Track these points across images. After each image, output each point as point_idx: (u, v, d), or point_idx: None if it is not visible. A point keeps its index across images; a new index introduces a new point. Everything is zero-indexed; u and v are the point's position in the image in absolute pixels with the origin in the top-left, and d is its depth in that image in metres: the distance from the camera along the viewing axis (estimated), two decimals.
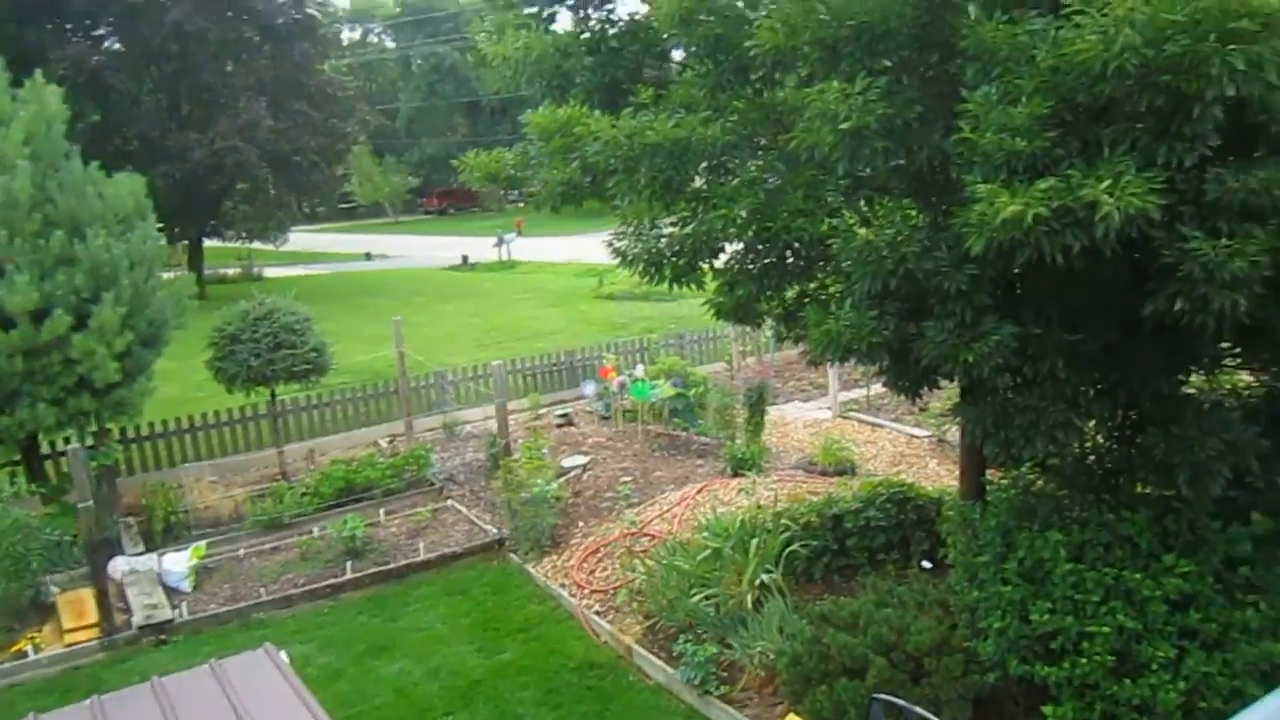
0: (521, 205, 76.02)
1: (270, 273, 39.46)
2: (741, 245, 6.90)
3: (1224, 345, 6.83)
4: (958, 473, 11.95)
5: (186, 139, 31.10)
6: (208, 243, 37.84)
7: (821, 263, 6.72)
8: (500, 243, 41.31)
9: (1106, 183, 4.63)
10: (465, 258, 41.13)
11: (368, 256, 46.43)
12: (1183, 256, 4.83)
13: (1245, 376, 7.56)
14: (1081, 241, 4.72)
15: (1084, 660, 6.47)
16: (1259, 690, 6.12)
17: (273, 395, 13.96)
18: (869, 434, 15.00)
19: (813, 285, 7.32)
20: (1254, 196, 4.78)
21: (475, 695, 8.90)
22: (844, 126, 5.35)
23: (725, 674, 8.51)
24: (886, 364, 6.53)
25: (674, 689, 8.71)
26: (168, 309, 12.21)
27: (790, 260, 6.80)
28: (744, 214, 6.22)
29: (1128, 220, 4.59)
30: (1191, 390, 6.86)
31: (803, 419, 15.98)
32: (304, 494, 12.70)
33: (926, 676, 7.18)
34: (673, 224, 7.07)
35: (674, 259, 6.82)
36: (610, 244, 7.26)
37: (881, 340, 5.79)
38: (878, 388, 17.09)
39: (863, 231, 5.54)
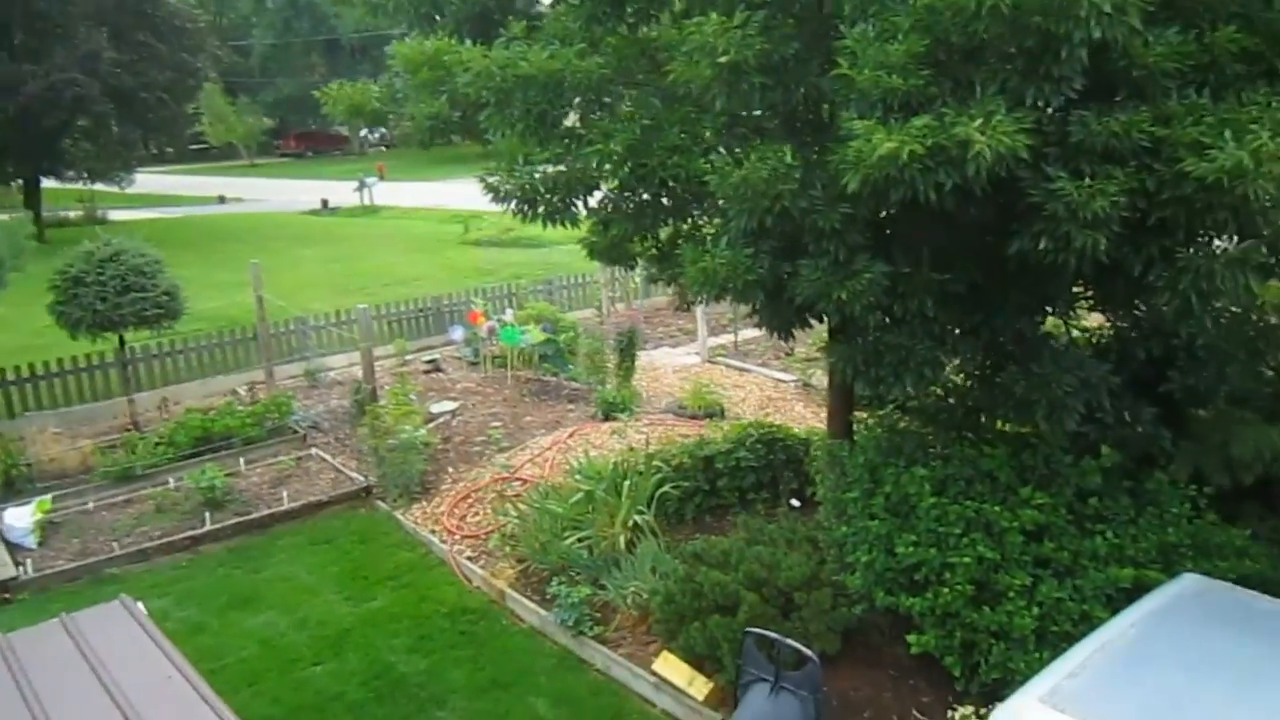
0: (384, 149, 74.13)
1: (115, 216, 37.29)
2: (617, 183, 6.81)
3: (1076, 290, 7.13)
4: (825, 415, 12.28)
5: (19, 71, 28.95)
6: (46, 183, 35.54)
7: (697, 201, 6.69)
8: (362, 187, 40.09)
9: (978, 121, 4.71)
10: (325, 202, 39.82)
11: (221, 200, 44.45)
12: (1048, 196, 4.97)
13: (1096, 319, 7.89)
14: (954, 180, 4.80)
15: (946, 590, 6.71)
16: (1105, 614, 6.43)
17: (121, 341, 13.24)
18: (737, 379, 15.18)
19: (686, 225, 7.29)
20: (1115, 139, 4.94)
21: (345, 644, 8.71)
22: (722, 60, 5.30)
23: (599, 615, 8.53)
24: (760, 303, 6.55)
25: (548, 631, 8.70)
26: (2, 250, 11.41)
27: (666, 199, 6.75)
28: (620, 150, 6.12)
29: (998, 159, 4.68)
30: (1047, 331, 7.12)
31: (672, 364, 16.07)
32: (158, 444, 12.11)
33: (797, 611, 7.34)
34: (547, 161, 6.91)
35: (548, 196, 6.68)
36: (482, 180, 7.06)
37: (757, 278, 5.80)
38: (745, 333, 17.36)
39: (740, 169, 5.50)
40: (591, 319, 18.04)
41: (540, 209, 6.81)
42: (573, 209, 6.93)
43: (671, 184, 6.32)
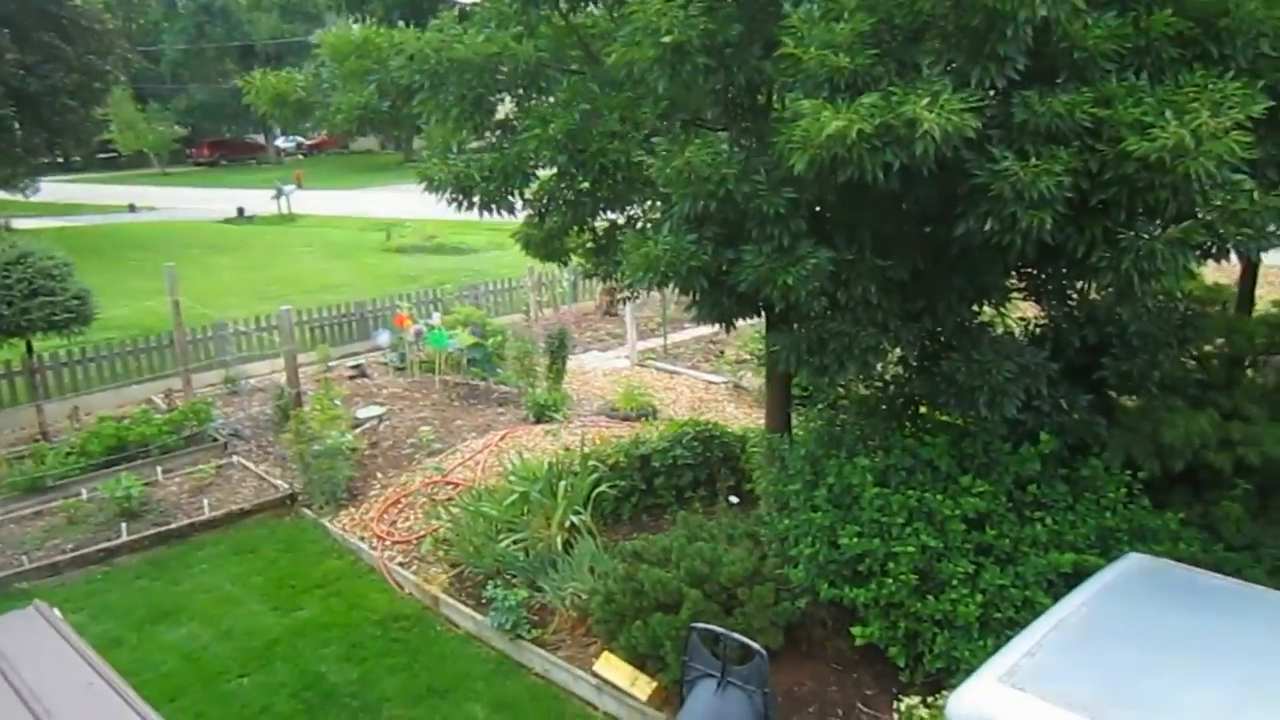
0: (301, 158, 72.83)
1: (19, 224, 35.91)
2: (554, 171, 6.66)
3: (1011, 282, 7.19)
4: (756, 415, 12.28)
5: None
6: None
7: (637, 189, 6.57)
8: (279, 194, 39.18)
9: (925, 100, 4.68)
10: (241, 210, 38.82)
11: (131, 208, 43.00)
12: (994, 177, 4.96)
13: (1029, 310, 7.96)
14: (900, 160, 4.76)
15: (890, 580, 6.69)
16: (1046, 599, 6.47)
17: (29, 348, 12.67)
18: (668, 381, 15.12)
19: (624, 219, 7.17)
20: (1058, 119, 4.96)
21: (273, 655, 8.39)
22: (666, 40, 5.19)
23: (537, 618, 8.35)
24: (700, 294, 6.45)
25: (484, 636, 8.48)
26: None
27: (605, 187, 6.62)
28: (558, 135, 5.97)
29: (945, 139, 4.65)
30: (985, 320, 7.15)
31: (602, 368, 15.95)
32: (69, 454, 11.59)
33: (740, 606, 7.24)
34: (482, 150, 6.74)
35: (484, 184, 6.50)
36: (415, 167, 6.85)
37: (700, 264, 5.71)
38: (675, 337, 17.33)
39: (682, 154, 5.41)
40: (520, 324, 17.83)
41: (475, 197, 6.63)
42: (509, 198, 6.77)
43: (611, 171, 6.20)
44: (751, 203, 5.50)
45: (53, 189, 43.42)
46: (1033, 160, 4.87)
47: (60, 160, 62.49)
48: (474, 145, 6.91)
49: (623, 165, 6.14)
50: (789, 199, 5.50)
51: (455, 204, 6.76)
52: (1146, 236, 5.08)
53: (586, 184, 6.31)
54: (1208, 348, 8.43)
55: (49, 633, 4.57)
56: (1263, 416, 7.67)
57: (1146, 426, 7.49)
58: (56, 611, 4.87)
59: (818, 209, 5.86)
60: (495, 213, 6.83)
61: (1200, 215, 5.13)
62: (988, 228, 5.08)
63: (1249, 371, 8.66)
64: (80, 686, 4.13)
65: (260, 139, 72.22)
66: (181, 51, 65.05)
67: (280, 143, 73.99)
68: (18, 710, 3.96)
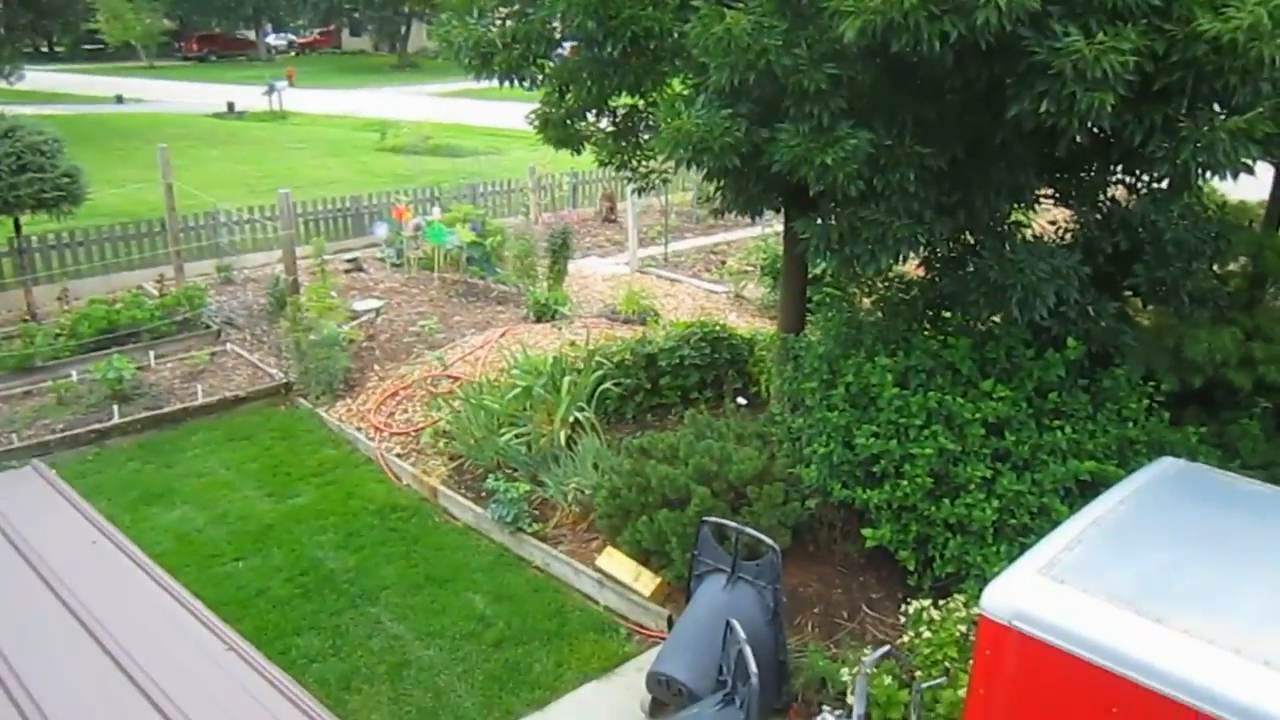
0: (293, 55, 71.27)
1: (3, 110, 35.05)
2: (581, 41, 6.31)
3: (1042, 188, 6.95)
4: (757, 323, 12.09)
5: None
6: None
7: (669, 59, 6.25)
8: (271, 91, 38.26)
9: None
10: (232, 105, 37.96)
11: (119, 99, 42.00)
12: (1054, 55, 4.68)
13: (1060, 215, 7.74)
14: (959, 29, 4.48)
15: (904, 483, 6.56)
16: (1063, 507, 6.37)
17: (17, 226, 12.30)
18: (668, 288, 14.88)
19: (649, 98, 6.85)
20: None
21: (268, 539, 8.29)
22: None
23: (538, 512, 8.26)
24: (726, 181, 6.19)
25: (483, 529, 8.38)
26: None
27: (634, 58, 6.29)
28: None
29: (1009, 8, 4.37)
30: (1017, 220, 6.93)
31: (602, 273, 15.70)
32: (59, 335, 11.32)
33: (748, 505, 7.14)
34: (505, 17, 6.40)
35: (505, 50, 6.16)
36: (436, 30, 6.50)
37: (733, 141, 5.43)
38: (676, 245, 17.06)
39: (723, 20, 5.11)
40: (519, 226, 17.48)
41: (496, 64, 6.30)
42: (531, 67, 6.44)
43: (643, 40, 5.88)
44: (792, 77, 5.22)
45: (37, 78, 42.38)
46: (1098, 37, 4.59)
47: (45, 49, 61.03)
48: (493, 15, 6.54)
49: (655, 34, 5.81)
50: (831, 75, 5.22)
51: (474, 71, 6.42)
52: (1208, 126, 4.83)
53: (615, 53, 5.98)
54: (1231, 266, 8.26)
55: (48, 492, 4.39)
56: None
57: (1168, 340, 7.34)
58: (54, 472, 4.68)
59: (858, 90, 5.56)
60: (515, 84, 6.50)
61: (1261, 108, 4.88)
62: (1043, 109, 4.82)
63: (1271, 291, 8.51)
64: (83, 545, 3.96)
65: (251, 35, 70.55)
66: None
67: (271, 39, 72.39)
68: (21, 569, 3.79)
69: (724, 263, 16.03)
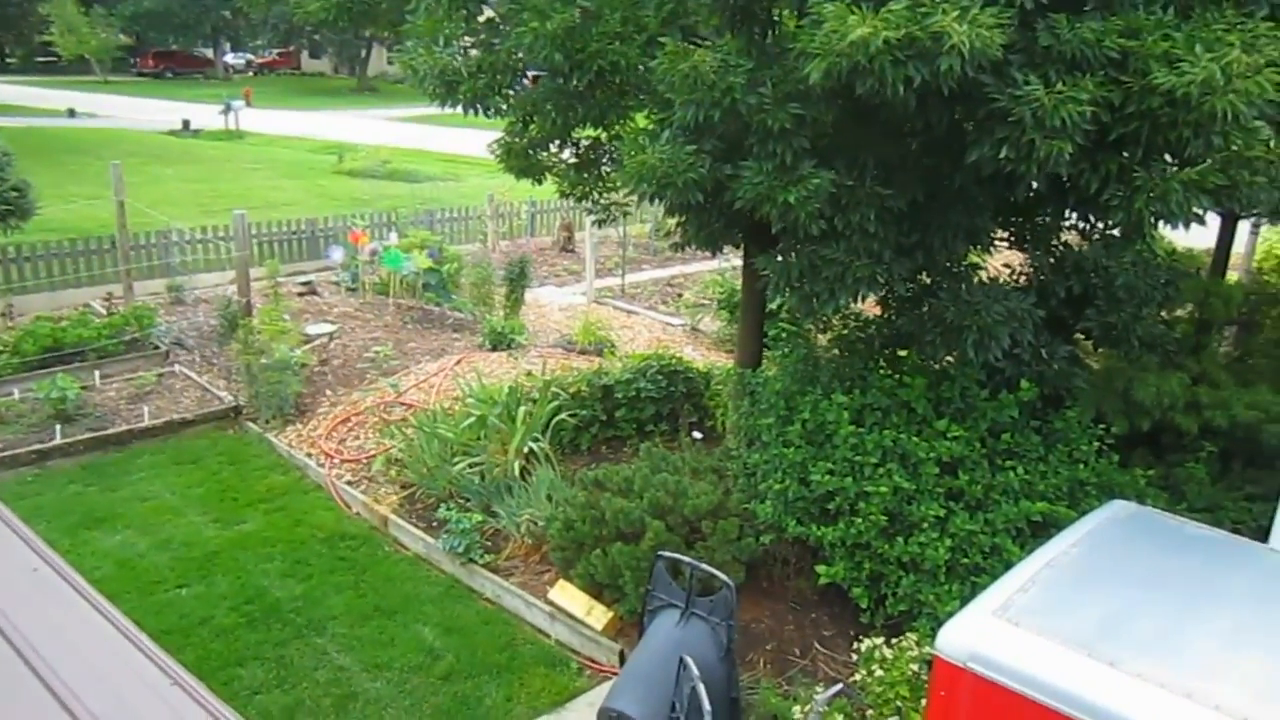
0: (251, 75, 70.78)
1: None
2: (547, 72, 6.32)
3: (998, 231, 7.07)
4: (713, 357, 12.13)
5: None
6: None
7: (634, 94, 6.27)
8: (227, 110, 37.96)
9: (955, 14, 4.45)
10: (187, 123, 37.54)
11: (71, 113, 41.41)
12: (1014, 102, 4.77)
13: (1014, 258, 7.87)
14: (923, 75, 4.54)
15: (859, 520, 6.58)
16: (1015, 547, 6.43)
17: None
18: (625, 319, 14.90)
19: (612, 131, 6.87)
20: (1085, 47, 4.78)
21: (213, 567, 8.11)
22: None
23: (490, 543, 8.17)
24: (688, 217, 6.21)
25: (434, 559, 8.28)
26: None
27: (600, 91, 6.31)
28: (558, 31, 5.65)
29: (972, 55, 4.44)
30: (973, 262, 7.02)
31: (558, 303, 15.70)
32: (1, 352, 11.05)
33: (702, 540, 7.12)
34: (470, 47, 6.39)
35: (470, 80, 6.15)
36: (400, 58, 6.48)
37: (697, 177, 5.46)
38: (632, 277, 17.09)
39: (691, 56, 5.14)
40: (477, 253, 17.41)
41: (461, 94, 6.29)
42: (496, 98, 6.44)
43: (609, 74, 5.90)
44: (756, 116, 5.26)
45: None
46: (1057, 87, 4.68)
47: None
48: (458, 45, 6.53)
49: (621, 69, 5.84)
50: (795, 115, 5.27)
51: (438, 99, 6.40)
52: (1162, 176, 4.94)
53: (580, 86, 5.99)
54: (1179, 312, 8.45)
55: None
56: (1230, 381, 7.70)
57: (1118, 383, 7.47)
58: None
59: (821, 131, 5.62)
60: (480, 113, 6.49)
61: (1211, 160, 5.01)
62: (1003, 155, 4.90)
63: (1217, 337, 8.71)
64: (24, 571, 3.82)
65: (209, 53, 70.01)
66: None
67: (229, 59, 71.93)
68: None
69: (680, 295, 16.10)
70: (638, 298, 16.29)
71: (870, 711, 5.94)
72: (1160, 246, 8.50)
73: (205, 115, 38.83)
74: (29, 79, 57.91)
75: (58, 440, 9.77)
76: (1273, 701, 3.50)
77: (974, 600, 4.24)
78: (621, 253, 17.28)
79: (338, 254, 14.87)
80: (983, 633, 3.94)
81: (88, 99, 46.64)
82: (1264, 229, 13.35)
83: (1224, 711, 3.44)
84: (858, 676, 6.27)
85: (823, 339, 8.00)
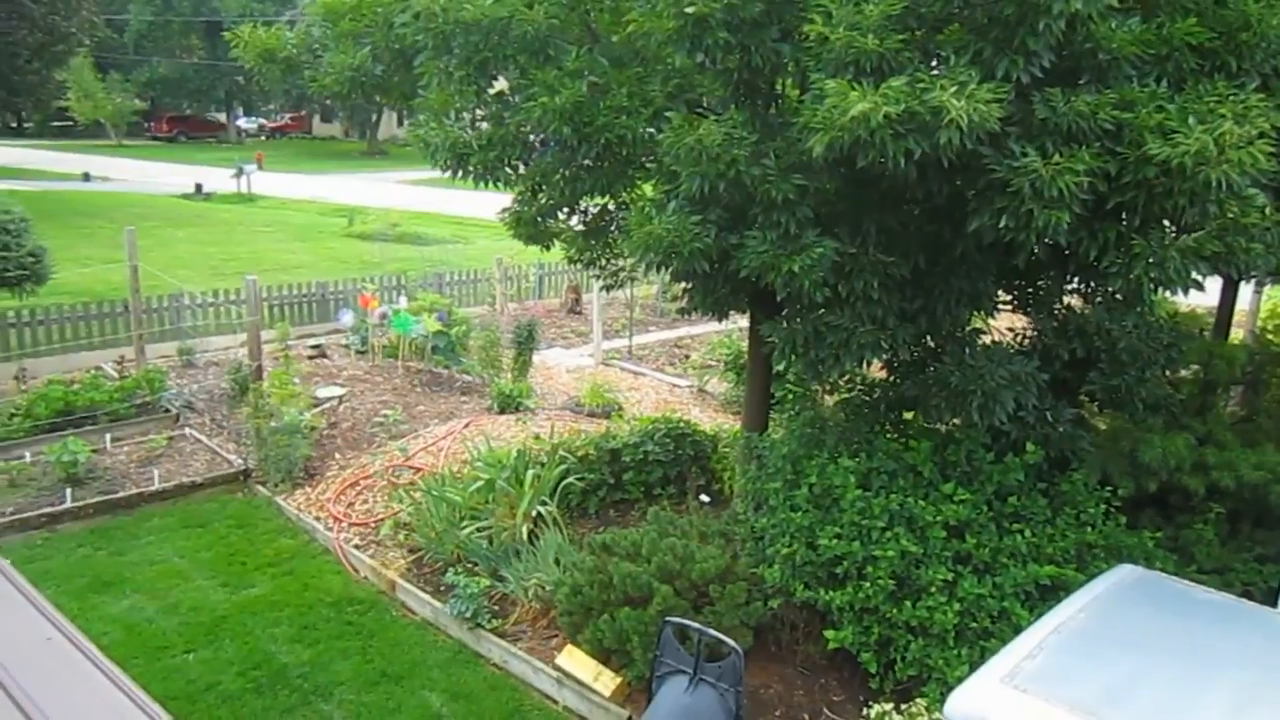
0: (263, 139, 71.81)
1: None
2: (555, 145, 6.48)
3: (999, 295, 7.15)
4: (720, 419, 12.17)
5: None
6: None
7: (640, 167, 6.41)
8: (240, 173, 38.49)
9: (953, 89, 4.58)
10: (199, 186, 38.06)
11: (86, 177, 41.99)
12: (1013, 173, 4.88)
13: (1016, 322, 7.94)
14: (923, 148, 4.66)
15: (867, 584, 6.58)
16: (1023, 611, 6.43)
17: None
18: (632, 381, 14.96)
19: (620, 200, 7.01)
20: (1080, 119, 4.90)
21: (220, 632, 8.09)
22: (689, 11, 5.06)
23: (497, 608, 8.15)
24: (694, 284, 6.31)
25: (442, 624, 8.25)
26: None
27: (607, 163, 6.45)
28: (566, 105, 5.79)
29: (970, 129, 4.56)
30: (977, 327, 7.10)
31: (566, 364, 15.77)
32: (14, 415, 11.14)
33: (710, 604, 7.10)
34: (480, 119, 6.55)
35: (481, 152, 6.30)
36: (412, 131, 6.64)
37: (703, 246, 5.56)
38: (640, 339, 17.20)
39: (694, 130, 5.27)
40: (484, 315, 17.56)
41: (472, 166, 6.43)
42: (505, 169, 6.58)
43: (616, 147, 6.04)
44: (760, 187, 5.38)
45: (4, 153, 42.32)
46: (1054, 158, 4.80)
47: (13, 125, 61.02)
48: (469, 117, 6.70)
49: (629, 141, 5.98)
50: (798, 186, 5.39)
51: (450, 171, 6.55)
52: (1159, 244, 5.03)
53: (588, 160, 6.14)
54: (1183, 373, 8.50)
55: (1, 583, 4.29)
56: (1235, 442, 7.73)
57: (1124, 445, 7.51)
58: (7, 562, 4.58)
59: (824, 199, 5.74)
60: (490, 184, 6.63)
61: (1209, 228, 5.10)
62: (1002, 224, 5.00)
63: (1222, 398, 8.75)
64: (38, 641, 3.86)
65: (222, 118, 71.20)
66: (147, 22, 63.99)
67: (242, 123, 73.04)
68: None
69: (688, 357, 16.17)
70: (645, 359, 16.36)
71: None
72: (1163, 308, 8.58)
73: (218, 178, 39.37)
74: (45, 143, 58.90)
75: (68, 504, 9.81)
76: None
77: (982, 667, 4.24)
78: (629, 314, 17.42)
79: (348, 317, 15.01)
80: (991, 700, 3.95)
81: (102, 163, 47.38)
82: (1268, 288, 13.45)
83: None
84: None
85: (829, 400, 8.07)
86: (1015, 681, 3.99)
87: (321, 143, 72.37)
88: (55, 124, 61.60)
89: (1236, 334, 13.05)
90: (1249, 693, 4.05)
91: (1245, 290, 12.57)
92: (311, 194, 38.79)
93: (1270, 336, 9.88)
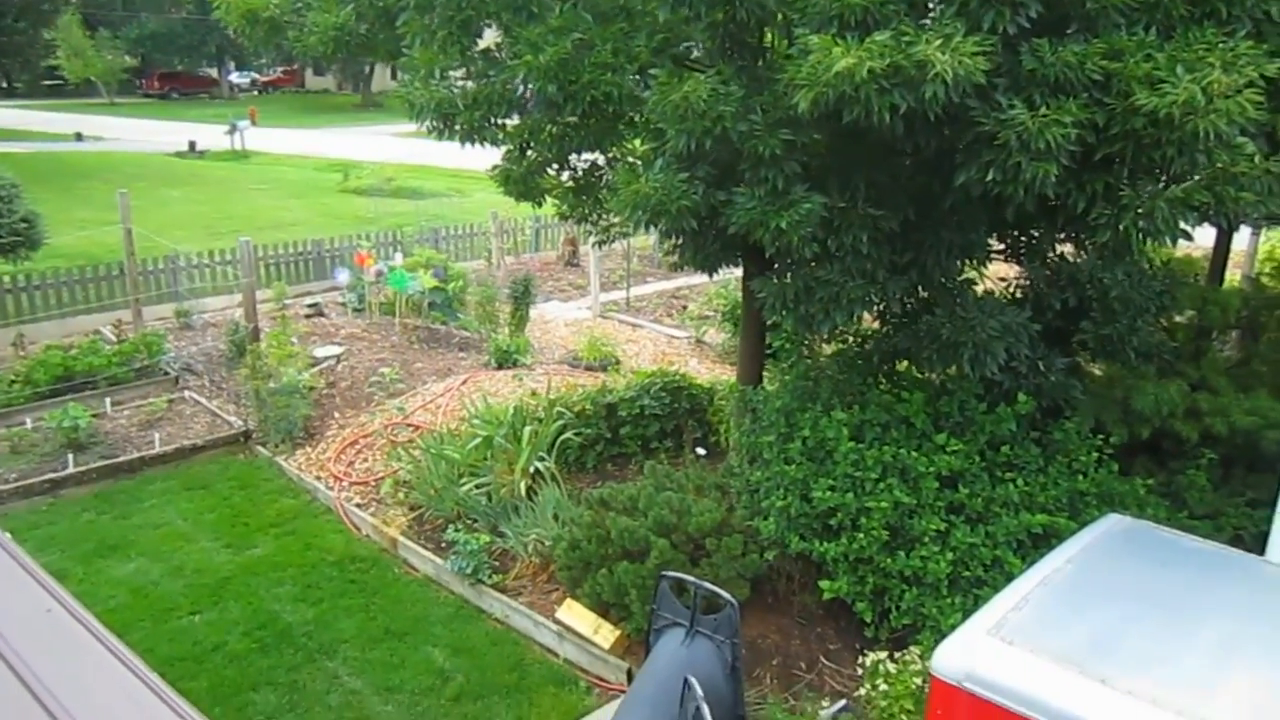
0: (255, 94, 71.17)
1: None
2: (542, 102, 6.43)
3: (992, 243, 7.13)
4: (718, 370, 12.20)
5: None
6: None
7: (626, 125, 6.37)
8: (233, 130, 38.21)
9: (938, 42, 4.54)
10: (193, 144, 37.81)
11: (78, 137, 41.69)
12: (1000, 125, 4.85)
13: (1009, 271, 7.93)
14: (908, 102, 4.63)
15: (861, 535, 6.65)
16: (1016, 559, 6.50)
17: None
18: (630, 333, 14.99)
19: (609, 155, 6.97)
20: (1068, 70, 4.85)
21: (225, 593, 8.20)
22: None
23: (498, 563, 8.25)
24: (685, 239, 6.29)
25: (443, 580, 8.35)
26: None
27: (593, 121, 6.40)
28: (551, 63, 5.74)
29: (956, 83, 4.52)
30: (968, 278, 7.09)
31: (564, 318, 15.79)
32: (13, 382, 11.18)
33: (707, 557, 7.18)
34: (464, 78, 6.49)
35: (467, 112, 6.26)
36: (397, 92, 6.59)
37: (690, 204, 5.55)
38: (638, 290, 17.19)
39: (683, 86, 5.23)
40: (481, 270, 17.53)
41: (458, 125, 6.39)
42: (492, 128, 6.53)
43: (602, 104, 5.99)
44: (747, 143, 5.35)
45: None
46: (1041, 110, 4.76)
47: (3, 85, 60.47)
48: (455, 75, 6.64)
49: (614, 99, 5.92)
50: (785, 141, 5.36)
51: (436, 132, 6.51)
52: (1148, 195, 5.01)
53: (574, 118, 6.09)
54: (1178, 318, 8.49)
55: (2, 557, 4.34)
56: (1229, 387, 7.75)
57: (1117, 393, 7.53)
58: (7, 535, 4.64)
59: (813, 153, 5.71)
60: (476, 143, 6.59)
61: (1199, 177, 5.08)
62: (989, 178, 4.98)
63: (1216, 343, 8.76)
64: (38, 613, 3.92)
65: (213, 73, 70.51)
66: None
67: (234, 78, 72.36)
68: None
69: (685, 308, 16.18)
70: (643, 311, 16.37)
71: None
72: (1158, 255, 8.56)
73: (211, 136, 39.05)
74: (35, 103, 58.35)
75: (70, 469, 9.89)
76: (1258, 715, 3.56)
77: (969, 620, 4.30)
78: (626, 266, 17.39)
79: (343, 276, 15.00)
80: (977, 652, 4.01)
81: (94, 122, 47.01)
82: (1265, 231, 13.41)
83: None
84: (862, 691, 6.35)
85: (827, 349, 8.07)
86: (1001, 633, 4.05)
87: (315, 96, 71.69)
88: (46, 83, 61.00)
89: (1237, 273, 13.05)
90: (1233, 641, 4.11)
91: (1244, 232, 12.54)
92: (306, 149, 38.53)
93: (1267, 280, 9.87)
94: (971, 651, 4.03)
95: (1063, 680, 3.79)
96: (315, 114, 57.54)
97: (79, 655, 3.64)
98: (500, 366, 12.36)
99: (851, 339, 7.77)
